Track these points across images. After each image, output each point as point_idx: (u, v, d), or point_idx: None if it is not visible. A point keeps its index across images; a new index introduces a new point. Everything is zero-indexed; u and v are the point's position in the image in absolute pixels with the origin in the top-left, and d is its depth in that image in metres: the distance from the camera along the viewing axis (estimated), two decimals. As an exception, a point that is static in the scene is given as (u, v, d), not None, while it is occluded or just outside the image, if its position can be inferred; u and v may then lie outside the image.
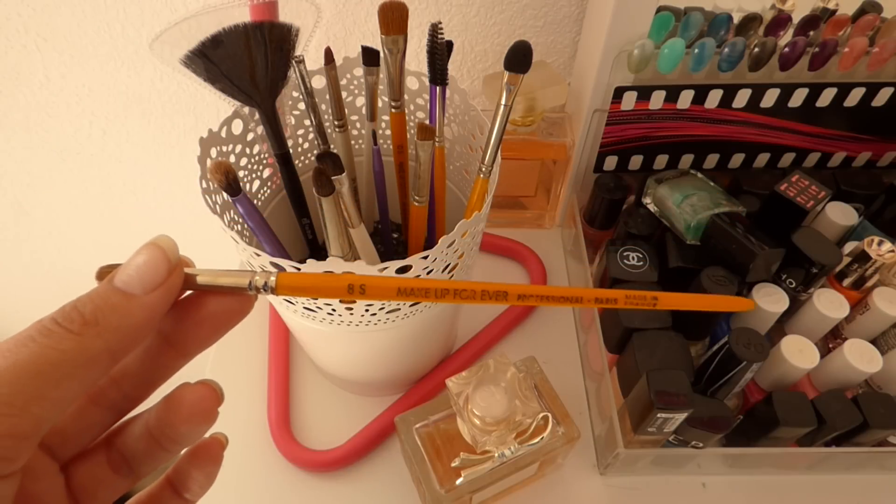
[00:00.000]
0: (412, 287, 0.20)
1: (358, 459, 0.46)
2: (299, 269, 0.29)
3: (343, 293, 0.20)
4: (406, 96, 0.41)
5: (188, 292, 0.19)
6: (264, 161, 0.42)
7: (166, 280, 0.18)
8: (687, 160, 0.55)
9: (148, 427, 0.19)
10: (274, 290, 0.19)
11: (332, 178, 0.32)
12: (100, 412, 0.19)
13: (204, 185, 0.34)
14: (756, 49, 0.45)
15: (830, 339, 0.49)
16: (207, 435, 0.21)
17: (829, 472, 0.45)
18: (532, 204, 0.61)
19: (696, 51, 0.45)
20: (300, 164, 0.45)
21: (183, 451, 0.20)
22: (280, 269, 0.31)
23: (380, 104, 0.43)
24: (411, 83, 0.41)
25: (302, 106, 0.41)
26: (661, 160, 0.55)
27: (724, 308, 0.23)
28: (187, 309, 0.19)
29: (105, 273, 0.19)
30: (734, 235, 0.44)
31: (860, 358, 0.42)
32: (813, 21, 0.46)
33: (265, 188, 0.43)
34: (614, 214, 0.54)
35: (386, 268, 0.30)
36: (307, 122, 0.43)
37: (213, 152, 0.36)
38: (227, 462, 0.45)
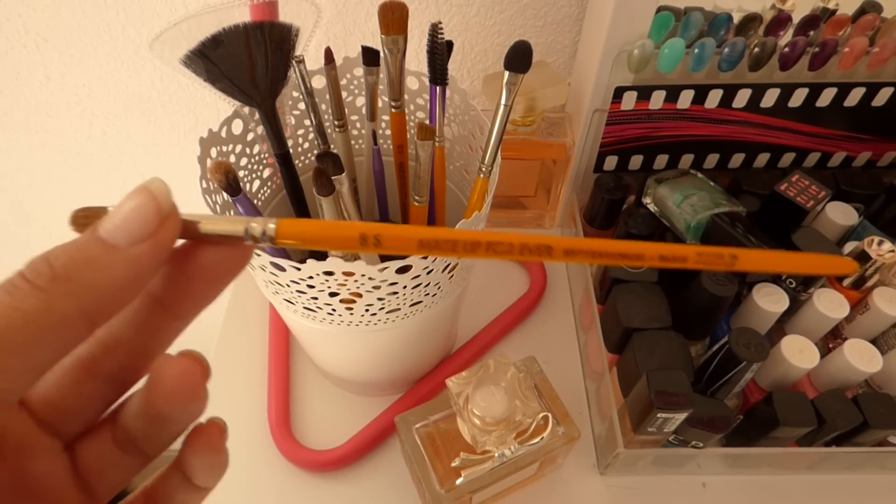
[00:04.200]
0: (437, 239, 0.17)
1: (358, 459, 0.46)
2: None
3: (355, 244, 0.17)
4: (406, 96, 0.41)
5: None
6: (264, 161, 0.42)
7: (157, 232, 0.15)
8: (687, 160, 0.55)
9: (142, 405, 0.17)
10: (273, 240, 0.17)
11: (332, 178, 0.32)
12: (98, 385, 0.17)
13: (204, 185, 0.34)
14: (756, 49, 0.45)
15: (830, 339, 0.49)
16: (205, 419, 0.18)
17: (829, 472, 0.45)
18: (532, 204, 0.61)
19: (696, 51, 0.45)
20: (300, 164, 0.45)
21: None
22: (280, 269, 0.31)
23: (380, 104, 0.43)
24: (411, 83, 0.41)
25: (302, 106, 0.41)
26: (661, 160, 0.55)
27: (820, 270, 0.18)
28: (175, 263, 0.17)
29: (80, 218, 0.17)
30: (734, 235, 0.44)
31: (860, 358, 0.42)
32: (813, 21, 0.46)
33: (265, 188, 0.43)
34: (614, 214, 0.54)
35: (386, 267, 0.30)
36: (307, 122, 0.43)
37: (213, 152, 0.36)
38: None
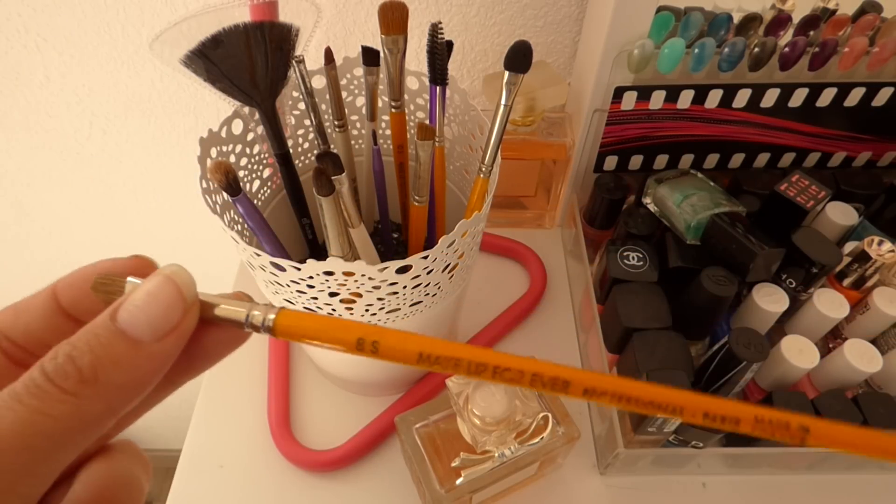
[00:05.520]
0: (438, 355, 0.16)
1: (358, 459, 0.46)
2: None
3: (351, 347, 0.16)
4: (406, 96, 0.41)
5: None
6: (264, 161, 0.42)
7: (180, 323, 0.15)
8: (687, 160, 0.55)
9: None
10: (272, 331, 0.17)
11: (332, 178, 0.32)
12: None
13: (204, 184, 0.34)
14: (756, 49, 0.45)
15: (830, 339, 0.49)
16: None
17: (829, 472, 0.45)
18: (532, 204, 0.61)
19: (696, 51, 0.45)
20: (300, 164, 0.45)
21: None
22: (280, 268, 0.31)
23: (380, 104, 0.43)
24: (411, 83, 0.41)
25: (302, 106, 0.41)
26: (661, 160, 0.55)
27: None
28: None
29: (102, 288, 0.16)
30: (734, 235, 0.44)
31: (860, 358, 0.42)
32: (813, 21, 0.46)
33: (265, 188, 0.43)
34: (614, 214, 0.54)
35: (386, 267, 0.30)
36: (307, 122, 0.43)
37: (213, 152, 0.36)
38: (227, 462, 0.45)
